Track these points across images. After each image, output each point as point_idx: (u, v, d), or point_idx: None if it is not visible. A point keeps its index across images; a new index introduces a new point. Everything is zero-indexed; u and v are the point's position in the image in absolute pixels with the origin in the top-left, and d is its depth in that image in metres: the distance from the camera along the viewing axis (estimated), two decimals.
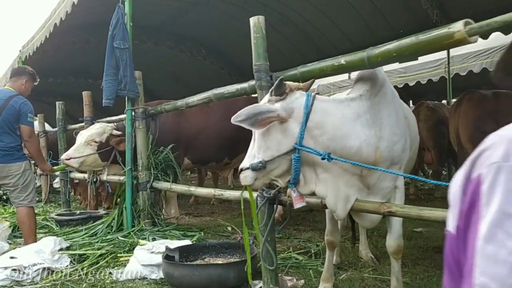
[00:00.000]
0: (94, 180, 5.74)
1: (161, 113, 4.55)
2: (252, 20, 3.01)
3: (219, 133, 5.33)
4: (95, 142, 4.72)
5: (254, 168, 2.29)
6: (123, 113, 5.33)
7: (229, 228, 5.16)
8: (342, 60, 2.50)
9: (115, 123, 5.11)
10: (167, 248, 3.21)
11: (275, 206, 2.96)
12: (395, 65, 10.33)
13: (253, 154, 2.36)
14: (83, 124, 5.99)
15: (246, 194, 3.38)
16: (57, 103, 6.96)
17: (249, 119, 2.22)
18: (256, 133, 2.38)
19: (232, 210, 6.63)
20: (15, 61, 9.01)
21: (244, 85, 3.27)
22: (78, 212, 5.57)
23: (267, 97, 2.42)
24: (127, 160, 4.63)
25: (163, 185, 4.54)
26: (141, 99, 4.66)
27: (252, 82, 3.16)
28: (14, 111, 4.26)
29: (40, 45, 7.36)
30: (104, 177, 5.00)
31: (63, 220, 5.06)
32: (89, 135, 4.68)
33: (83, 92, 5.93)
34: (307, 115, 2.26)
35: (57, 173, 7.24)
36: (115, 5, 7.81)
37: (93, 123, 5.83)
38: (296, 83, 2.54)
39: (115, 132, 4.78)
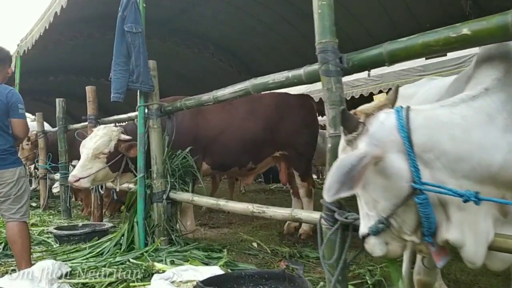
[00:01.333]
0: (100, 187, 4.90)
1: (180, 110, 3.72)
2: None
3: (243, 134, 4.52)
4: (103, 154, 3.88)
5: (375, 231, 1.56)
6: (128, 112, 4.58)
7: (255, 244, 4.35)
8: (465, 29, 1.68)
9: (122, 124, 4.27)
10: (199, 286, 2.37)
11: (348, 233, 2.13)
12: (412, 63, 9.56)
13: (366, 214, 1.61)
14: (86, 123, 5.14)
15: (298, 212, 2.57)
16: (57, 100, 6.13)
17: (345, 184, 1.44)
18: None
19: (251, 220, 5.79)
20: (13, 56, 8.18)
21: (298, 71, 2.45)
22: (80, 224, 4.73)
23: (342, 141, 1.63)
24: (139, 166, 3.80)
25: (182, 196, 3.71)
26: (156, 94, 3.84)
27: (312, 67, 2.36)
28: (1, 104, 3.42)
29: (40, 37, 6.55)
30: (117, 188, 4.15)
31: (63, 236, 4.20)
32: (95, 148, 3.83)
33: (86, 87, 5.10)
34: (407, 138, 1.46)
35: (57, 177, 6.42)
36: None
37: (97, 123, 5.01)
38: (372, 104, 1.69)
39: (123, 136, 3.95)
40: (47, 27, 6.15)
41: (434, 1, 6.58)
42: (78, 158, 6.76)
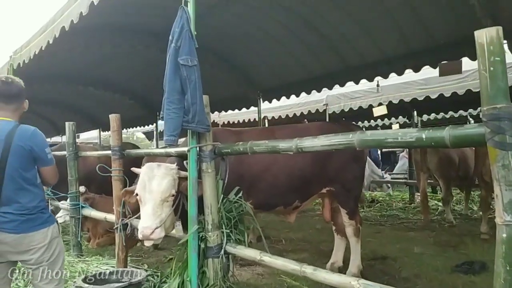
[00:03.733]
0: (123, 224, 4.32)
1: (242, 154, 3.20)
2: (485, 34, 1.77)
3: (290, 170, 4.05)
4: (172, 196, 3.30)
5: None
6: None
7: None
8: None
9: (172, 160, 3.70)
10: None
11: None
12: (414, 76, 9.28)
13: None
14: (108, 152, 4.52)
15: None
16: (66, 124, 5.46)
17: None
18: None
19: (280, 253, 5.25)
20: (4, 67, 7.44)
21: (439, 133, 1.98)
22: (107, 271, 4.10)
23: None
24: (192, 215, 3.26)
25: (245, 252, 3.19)
26: (210, 133, 3.30)
27: (466, 131, 1.92)
28: (24, 152, 2.80)
29: (40, 51, 5.86)
30: (179, 233, 3.57)
31: None
32: (163, 191, 3.23)
33: (110, 116, 4.47)
34: None
35: (65, 205, 5.72)
36: (139, 4, 6.38)
37: (122, 155, 4.41)
38: None
39: (183, 173, 3.37)
40: (50, 42, 5.51)
41: (449, 14, 6.22)
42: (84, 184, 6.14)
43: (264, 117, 12.41)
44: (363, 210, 7.99)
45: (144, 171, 3.33)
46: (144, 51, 7.80)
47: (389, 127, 16.18)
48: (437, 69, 7.11)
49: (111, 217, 4.80)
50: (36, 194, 2.87)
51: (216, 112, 10.77)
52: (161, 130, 15.25)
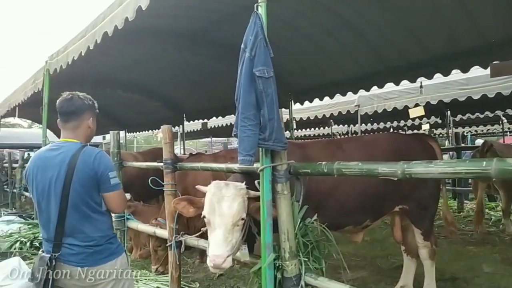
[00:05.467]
0: (177, 240, 4.01)
1: (327, 175, 2.81)
2: None
3: (362, 187, 3.67)
4: (243, 219, 2.96)
5: None
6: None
7: None
8: None
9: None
10: None
11: None
12: (455, 76, 8.78)
13: None
14: (160, 164, 4.20)
15: None
16: (111, 132, 5.16)
17: None
18: None
19: (334, 268, 4.87)
20: (40, 72, 7.21)
21: None
22: None
23: None
24: (267, 243, 2.90)
25: (330, 285, 2.81)
26: (285, 151, 2.95)
27: None
28: (88, 177, 2.54)
29: (79, 56, 5.62)
30: (244, 258, 3.23)
31: None
32: (234, 214, 2.86)
33: (162, 127, 4.14)
34: None
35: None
36: (189, 9, 6.04)
37: (175, 168, 4.09)
38: None
39: (253, 193, 3.02)
40: (91, 47, 5.27)
41: (503, 11, 5.73)
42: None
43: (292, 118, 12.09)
44: None
45: (211, 191, 2.99)
46: (175, 53, 7.53)
47: (419, 127, 15.61)
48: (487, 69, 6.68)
49: (161, 232, 4.50)
50: (103, 222, 2.60)
51: None
52: (188, 132, 14.87)
